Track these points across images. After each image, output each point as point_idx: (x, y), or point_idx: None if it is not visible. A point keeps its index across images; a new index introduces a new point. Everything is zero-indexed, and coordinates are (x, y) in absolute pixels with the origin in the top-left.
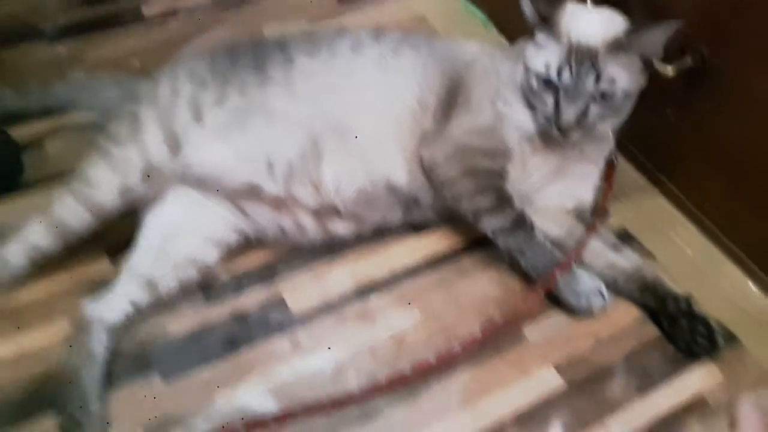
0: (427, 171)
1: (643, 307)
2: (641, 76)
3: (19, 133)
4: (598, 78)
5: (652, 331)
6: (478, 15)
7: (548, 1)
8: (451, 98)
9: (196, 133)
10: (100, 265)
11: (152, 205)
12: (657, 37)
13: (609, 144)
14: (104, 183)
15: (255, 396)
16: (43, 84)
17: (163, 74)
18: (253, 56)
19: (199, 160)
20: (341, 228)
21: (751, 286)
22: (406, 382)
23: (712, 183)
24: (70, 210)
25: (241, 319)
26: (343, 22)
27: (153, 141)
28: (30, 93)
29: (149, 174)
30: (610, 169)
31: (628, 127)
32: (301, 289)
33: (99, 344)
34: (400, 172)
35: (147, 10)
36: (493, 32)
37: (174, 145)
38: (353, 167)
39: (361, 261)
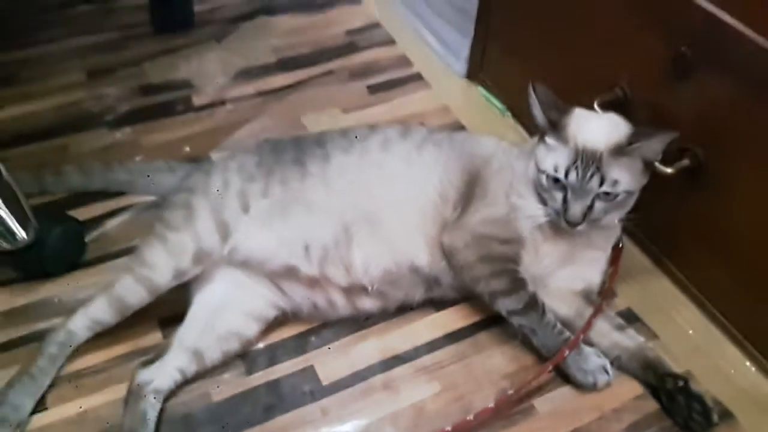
0: (448, 255)
1: (645, 383)
2: (642, 176)
3: (82, 214)
4: (602, 180)
5: (652, 405)
6: (496, 104)
7: (557, 107)
8: (470, 190)
9: (244, 222)
10: (153, 336)
11: (202, 283)
12: (656, 145)
13: (616, 231)
14: (160, 265)
15: None
16: (104, 167)
17: (214, 167)
18: (294, 152)
19: (245, 246)
20: (368, 304)
21: (750, 366)
22: None
23: (714, 268)
24: (129, 289)
25: (276, 387)
26: (373, 112)
27: (205, 228)
28: (93, 174)
29: (200, 258)
30: (616, 253)
31: (633, 218)
32: (331, 361)
33: (151, 408)
34: (422, 255)
35: (197, 100)
36: (510, 120)
37: (224, 232)
38: (380, 251)
39: (387, 335)
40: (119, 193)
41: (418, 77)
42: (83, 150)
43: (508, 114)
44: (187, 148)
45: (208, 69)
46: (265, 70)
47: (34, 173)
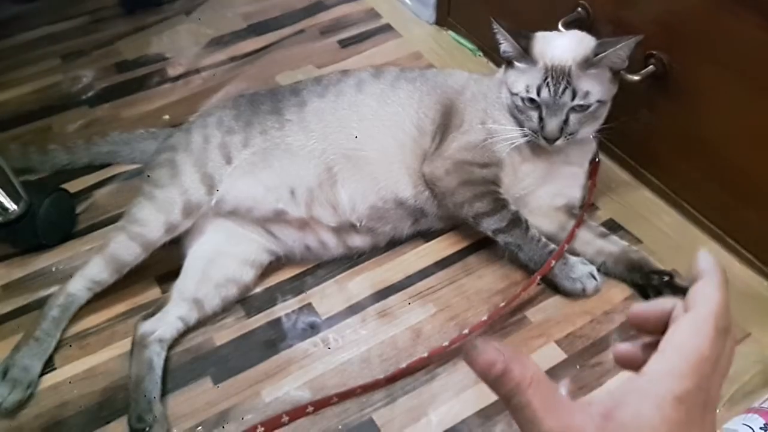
0: (430, 185)
1: (632, 284)
2: (612, 84)
3: (70, 187)
4: (574, 93)
5: None
6: (467, 46)
7: (521, 35)
8: (446, 121)
9: (227, 173)
10: (152, 292)
11: (194, 236)
12: (621, 51)
13: (591, 147)
14: (151, 220)
15: (294, 388)
16: (87, 142)
17: (194, 125)
18: (271, 102)
19: (231, 196)
20: (359, 241)
21: (729, 257)
22: (425, 365)
23: (690, 172)
24: (123, 246)
25: (277, 325)
26: (347, 65)
27: (191, 182)
28: (77, 150)
29: (189, 210)
30: (594, 167)
31: (608, 131)
32: (327, 297)
33: (157, 356)
34: (406, 188)
35: (172, 71)
36: (482, 59)
37: (209, 184)
38: (365, 188)
39: (379, 268)
40: (105, 165)
41: (388, 28)
42: (66, 129)
43: (480, 53)
44: (167, 116)
45: (181, 41)
46: (237, 36)
47: (21, 151)
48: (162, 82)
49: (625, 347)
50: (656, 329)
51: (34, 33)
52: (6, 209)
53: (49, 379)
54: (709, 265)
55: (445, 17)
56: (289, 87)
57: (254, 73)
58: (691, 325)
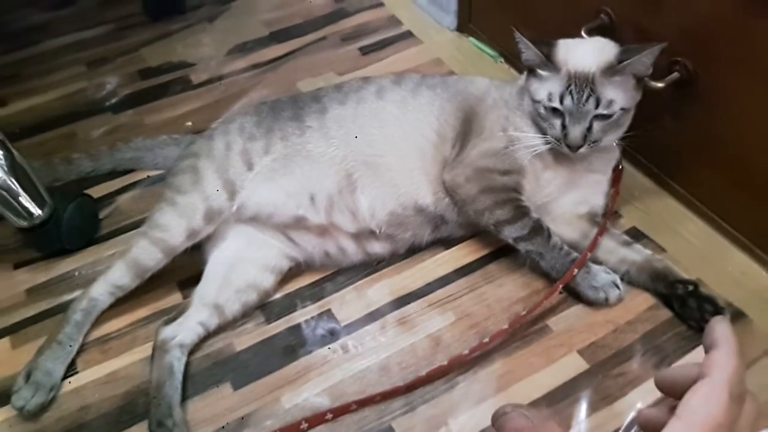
0: (450, 192)
1: (656, 293)
2: (636, 92)
3: (93, 193)
4: (597, 101)
5: (665, 314)
6: (489, 52)
7: (543, 42)
8: (467, 128)
9: (249, 179)
10: (173, 297)
11: (215, 242)
12: (646, 58)
13: (615, 154)
14: (173, 226)
15: (314, 395)
16: (111, 149)
17: (216, 131)
18: (292, 109)
19: (252, 202)
20: (378, 248)
21: (759, 269)
22: (445, 373)
23: (715, 179)
24: (145, 251)
25: (296, 331)
26: (367, 72)
27: (212, 189)
28: (101, 157)
29: (211, 216)
30: (617, 174)
31: (631, 138)
32: (347, 303)
33: (177, 361)
34: (426, 195)
35: (195, 78)
36: (504, 65)
37: (231, 190)
38: (385, 195)
39: (398, 275)
40: (128, 171)
41: (408, 35)
42: (91, 135)
43: (501, 60)
44: (189, 123)
45: (204, 49)
46: (259, 43)
47: (46, 164)
48: (185, 89)
49: (650, 412)
50: (683, 394)
51: (60, 40)
52: (31, 214)
53: (71, 383)
54: (724, 333)
55: (466, 24)
56: (310, 94)
57: (276, 80)
58: (706, 391)
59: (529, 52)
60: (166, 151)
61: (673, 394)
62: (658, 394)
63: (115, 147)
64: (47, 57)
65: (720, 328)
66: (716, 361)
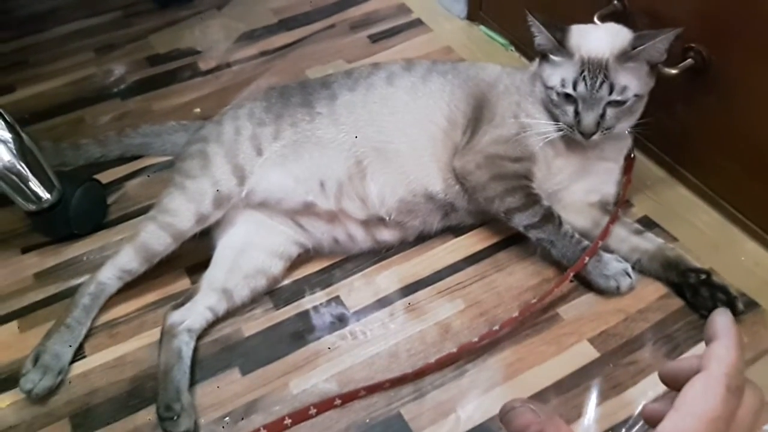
0: (461, 179)
1: (668, 282)
2: (649, 78)
3: (102, 178)
4: (611, 87)
5: (677, 303)
6: (499, 40)
7: (557, 27)
8: (477, 114)
9: (258, 164)
10: (181, 282)
11: (224, 227)
12: (660, 44)
13: (627, 143)
14: (182, 210)
15: (322, 381)
16: (119, 135)
17: (225, 116)
18: (301, 95)
19: (261, 187)
20: (387, 235)
21: None
22: (454, 360)
23: (728, 168)
24: (154, 235)
25: (305, 317)
26: (377, 60)
27: (221, 173)
28: (109, 143)
29: (220, 201)
30: (629, 163)
31: (644, 126)
32: (356, 290)
33: (185, 346)
34: (436, 182)
35: (203, 65)
36: (514, 54)
37: (240, 175)
38: (394, 181)
39: (408, 263)
40: (136, 157)
41: (418, 23)
42: (99, 121)
43: (512, 48)
44: (198, 110)
45: (212, 36)
46: (268, 31)
47: (54, 148)
48: (193, 76)
49: (653, 406)
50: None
51: (69, 27)
52: (39, 198)
53: (79, 367)
54: (724, 325)
55: (476, 11)
56: (320, 80)
57: (284, 67)
58: (703, 384)
59: (541, 36)
60: (175, 137)
61: (676, 386)
62: None
63: (124, 133)
64: (55, 43)
65: (720, 320)
66: (715, 354)
